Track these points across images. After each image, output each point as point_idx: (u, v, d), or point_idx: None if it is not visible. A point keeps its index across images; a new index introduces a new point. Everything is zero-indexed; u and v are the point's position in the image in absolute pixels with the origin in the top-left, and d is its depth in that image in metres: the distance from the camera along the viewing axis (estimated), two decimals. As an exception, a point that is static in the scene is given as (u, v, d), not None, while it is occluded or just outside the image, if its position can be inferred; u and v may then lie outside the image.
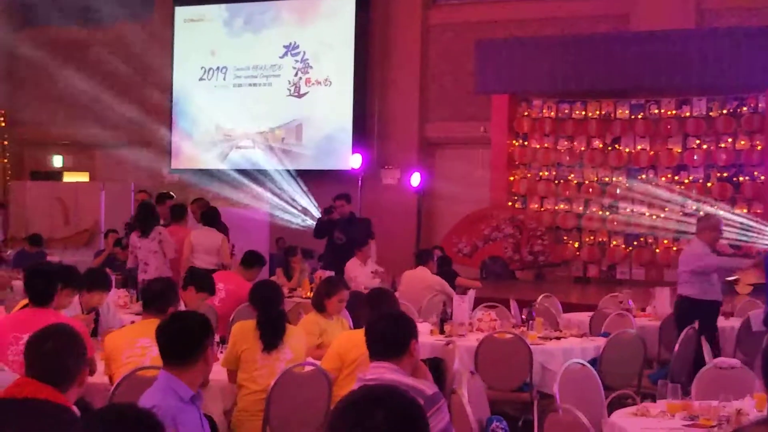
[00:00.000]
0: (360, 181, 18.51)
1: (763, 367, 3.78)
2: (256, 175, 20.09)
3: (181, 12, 21.58)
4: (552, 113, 18.90)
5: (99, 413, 2.87)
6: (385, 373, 4.50)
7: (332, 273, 11.53)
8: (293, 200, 19.55)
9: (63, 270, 7.10)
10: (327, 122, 20.22)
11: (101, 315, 7.89)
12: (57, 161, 23.04)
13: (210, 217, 12.22)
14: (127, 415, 2.72)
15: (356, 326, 7.31)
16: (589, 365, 6.55)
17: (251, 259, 10.47)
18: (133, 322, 7.43)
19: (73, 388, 4.16)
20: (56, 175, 22.51)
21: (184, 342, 4.45)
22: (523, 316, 9.36)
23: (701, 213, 14.59)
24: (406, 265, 12.54)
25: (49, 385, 4.03)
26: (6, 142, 22.55)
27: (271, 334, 6.39)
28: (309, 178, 19.98)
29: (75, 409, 4.13)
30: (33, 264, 7.52)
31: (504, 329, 8.55)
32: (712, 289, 9.29)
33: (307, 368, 6.36)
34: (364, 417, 2.40)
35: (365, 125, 20.09)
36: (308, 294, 11.30)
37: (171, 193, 14.08)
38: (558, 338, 8.58)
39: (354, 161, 18.81)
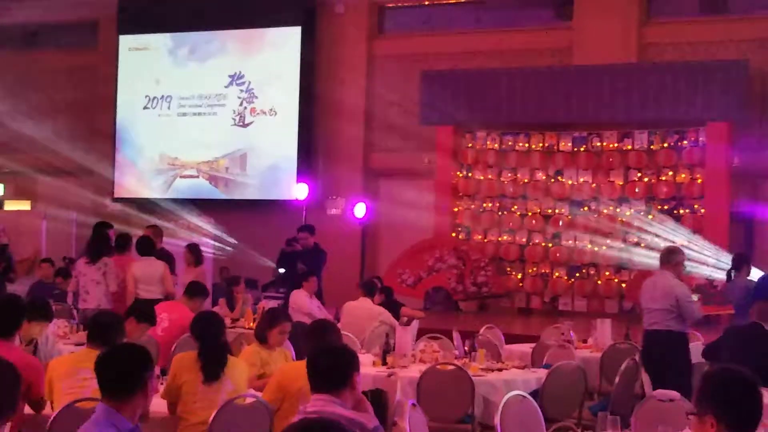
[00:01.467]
0: (304, 211, 18.49)
1: (700, 388, 3.81)
2: (200, 205, 20.00)
3: (125, 40, 21.50)
4: (496, 145, 19.04)
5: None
6: (326, 405, 4.50)
7: (275, 304, 11.52)
8: (238, 229, 19.45)
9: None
10: (272, 152, 20.21)
11: (40, 346, 7.81)
12: (-2, 189, 22.82)
13: (145, 246, 12.10)
14: None
15: (299, 357, 7.29)
16: (530, 397, 6.58)
17: (195, 289, 10.39)
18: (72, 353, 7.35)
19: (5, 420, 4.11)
20: (-4, 203, 22.29)
21: (123, 375, 4.41)
22: (466, 348, 9.37)
23: (666, 245, 14.69)
24: (350, 296, 12.53)
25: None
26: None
27: (212, 366, 6.35)
28: (253, 207, 19.95)
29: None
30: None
31: (446, 360, 8.56)
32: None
33: (248, 399, 6.32)
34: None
35: (310, 155, 20.10)
36: (251, 324, 11.24)
37: (110, 222, 13.88)
38: (500, 370, 8.59)
39: (299, 191, 18.77)
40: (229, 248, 18.79)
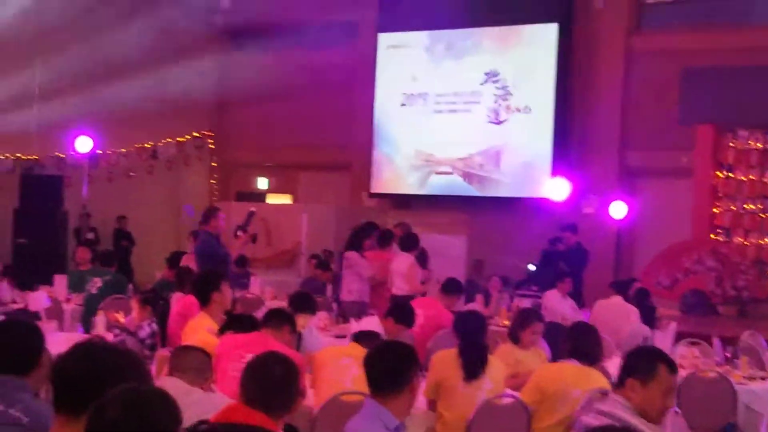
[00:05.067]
0: (560, 210, 18.32)
1: None
2: (454, 201, 20.22)
3: (384, 38, 21.93)
4: (759, 144, 18.33)
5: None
6: (618, 408, 4.46)
7: (528, 302, 11.51)
8: (491, 226, 19.52)
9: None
10: (526, 149, 20.16)
11: (304, 338, 8.11)
12: (262, 183, 23.72)
13: (406, 242, 12.35)
14: None
15: (556, 358, 7.28)
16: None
17: (451, 286, 10.54)
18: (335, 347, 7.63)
19: (284, 416, 4.30)
20: (260, 196, 23.16)
21: (392, 372, 4.55)
22: (728, 354, 9.10)
23: None
24: (601, 296, 12.38)
25: (263, 411, 4.15)
26: (214, 164, 23.43)
27: (473, 364, 6.44)
28: (506, 205, 19.96)
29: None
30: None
31: (707, 367, 8.35)
32: None
33: (506, 400, 6.38)
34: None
35: (564, 153, 19.92)
36: (504, 322, 11.30)
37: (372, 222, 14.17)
38: (764, 378, 8.32)
39: (557, 190, 18.54)
40: (481, 245, 18.90)
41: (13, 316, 10.03)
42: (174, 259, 13.76)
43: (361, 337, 6.78)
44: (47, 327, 9.53)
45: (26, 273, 15.98)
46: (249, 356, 5.74)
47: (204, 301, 7.86)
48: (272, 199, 23.19)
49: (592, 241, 16.84)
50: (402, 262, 12.01)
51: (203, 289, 7.93)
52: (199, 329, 7.44)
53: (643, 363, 4.51)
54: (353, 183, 21.97)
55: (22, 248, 19.22)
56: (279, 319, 6.90)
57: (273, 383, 4.22)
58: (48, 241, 19.27)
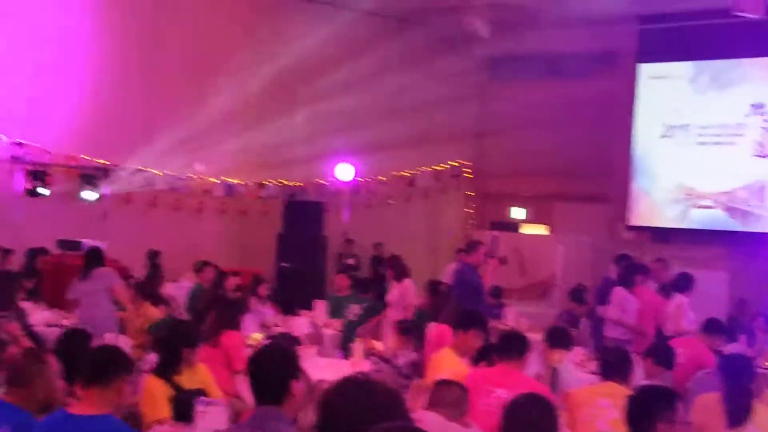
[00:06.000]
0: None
1: None
2: (714, 236, 19.58)
3: (645, 69, 21.53)
4: None
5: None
6: None
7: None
8: (754, 263, 18.79)
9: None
10: (792, 184, 19.33)
11: (559, 373, 8.04)
12: (517, 213, 23.70)
13: (680, 282, 12.08)
14: None
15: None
16: None
17: (714, 326, 10.20)
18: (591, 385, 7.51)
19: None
20: (515, 226, 23.15)
21: (651, 414, 4.47)
22: None
23: None
24: None
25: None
26: (470, 193, 23.60)
27: (739, 412, 6.20)
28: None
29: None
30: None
31: None
32: None
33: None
34: None
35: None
36: (768, 365, 10.85)
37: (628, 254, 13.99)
38: None
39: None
40: (742, 282, 18.22)
41: (275, 340, 10.41)
42: (431, 288, 13.93)
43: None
44: (308, 352, 9.86)
45: (288, 297, 16.59)
46: (498, 391, 5.77)
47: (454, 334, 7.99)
48: (527, 230, 23.11)
49: None
50: (671, 301, 11.76)
51: (458, 324, 8.02)
52: (449, 362, 7.51)
53: None
54: (610, 215, 21.62)
55: (285, 272, 19.94)
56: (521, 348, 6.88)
57: (534, 428, 4.22)
58: (309, 266, 19.92)
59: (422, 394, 6.68)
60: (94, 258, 12.15)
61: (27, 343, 6.79)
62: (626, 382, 6.77)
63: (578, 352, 10.38)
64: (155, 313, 11.59)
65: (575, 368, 9.33)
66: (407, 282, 13.13)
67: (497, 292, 15.44)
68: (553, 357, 7.99)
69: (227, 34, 21.08)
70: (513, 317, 14.70)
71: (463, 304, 9.84)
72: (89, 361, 4.92)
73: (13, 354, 5.11)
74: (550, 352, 8.03)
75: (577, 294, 15.39)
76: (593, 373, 9.75)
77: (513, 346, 6.92)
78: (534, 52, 22.42)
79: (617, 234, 21.08)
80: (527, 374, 6.98)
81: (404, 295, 12.83)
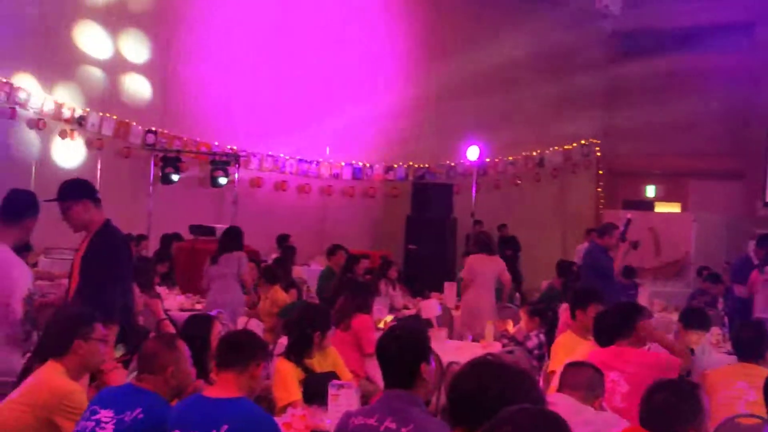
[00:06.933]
0: None
1: None
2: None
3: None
4: None
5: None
6: None
7: None
8: None
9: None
10: None
11: (696, 356, 7.84)
12: (650, 191, 23.24)
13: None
14: None
15: None
16: None
17: None
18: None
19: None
20: (648, 204, 22.71)
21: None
22: None
23: None
24: None
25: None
26: (601, 172, 23.21)
27: None
28: None
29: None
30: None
31: None
32: None
33: None
34: None
35: None
36: None
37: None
38: None
39: None
40: None
41: (404, 322, 10.41)
42: (562, 268, 13.76)
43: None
44: (438, 334, 9.83)
45: (417, 279, 16.57)
46: (612, 374, 5.65)
47: (572, 317, 7.85)
48: (660, 208, 22.66)
49: None
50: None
51: (575, 305, 7.89)
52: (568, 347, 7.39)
53: None
54: (746, 192, 21.02)
55: (413, 254, 19.94)
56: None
57: (676, 414, 4.13)
58: (438, 248, 19.86)
59: (553, 376, 6.59)
60: (233, 238, 12.27)
61: (169, 325, 6.88)
62: (764, 361, 6.57)
63: (714, 332, 10.13)
64: (284, 297, 11.67)
65: (712, 349, 9.10)
66: None
67: (631, 272, 15.13)
68: (690, 338, 7.77)
69: (352, 17, 21.12)
70: (647, 297, 14.40)
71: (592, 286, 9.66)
72: (224, 345, 4.96)
73: (146, 341, 5.18)
74: (686, 333, 7.82)
75: (712, 273, 14.98)
76: (730, 353, 9.50)
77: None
78: (666, 26, 21.90)
79: (753, 211, 20.49)
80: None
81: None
